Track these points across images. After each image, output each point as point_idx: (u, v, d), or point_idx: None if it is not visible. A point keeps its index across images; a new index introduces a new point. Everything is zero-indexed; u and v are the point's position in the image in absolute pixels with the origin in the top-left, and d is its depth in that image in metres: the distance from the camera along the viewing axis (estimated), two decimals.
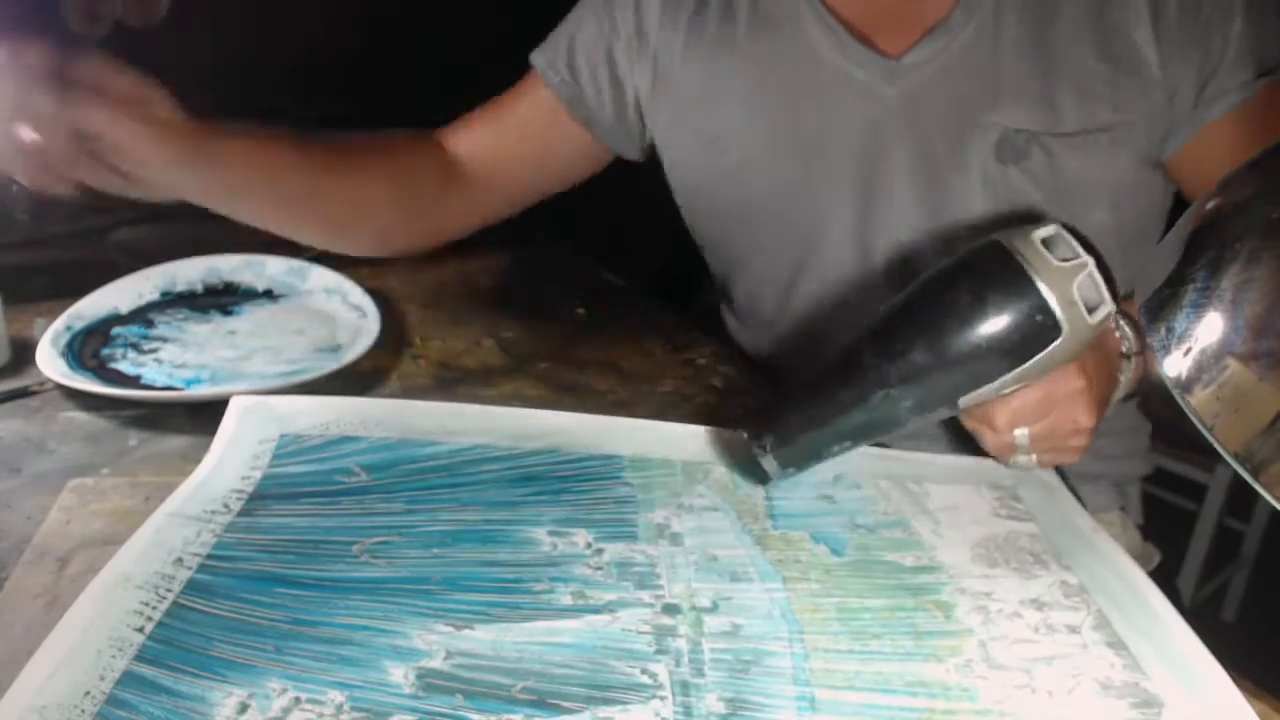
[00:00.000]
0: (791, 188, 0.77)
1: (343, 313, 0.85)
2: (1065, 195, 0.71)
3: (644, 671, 0.44)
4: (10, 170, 0.55)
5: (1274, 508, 0.32)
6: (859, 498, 0.60)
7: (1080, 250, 0.53)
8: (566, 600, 0.49)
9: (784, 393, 0.58)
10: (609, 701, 0.42)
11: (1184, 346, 0.36)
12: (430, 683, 0.43)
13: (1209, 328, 0.35)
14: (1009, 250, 0.54)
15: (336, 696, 0.41)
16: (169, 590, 0.47)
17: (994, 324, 0.53)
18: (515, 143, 0.84)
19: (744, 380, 0.80)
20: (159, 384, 0.72)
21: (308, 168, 0.72)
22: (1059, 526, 0.59)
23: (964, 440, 0.64)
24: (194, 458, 0.59)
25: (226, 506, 0.54)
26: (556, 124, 0.84)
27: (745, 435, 0.58)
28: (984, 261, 0.55)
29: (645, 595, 0.49)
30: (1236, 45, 0.67)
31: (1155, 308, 0.38)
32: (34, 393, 0.70)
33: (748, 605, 0.49)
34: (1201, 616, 0.54)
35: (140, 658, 0.42)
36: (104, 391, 0.67)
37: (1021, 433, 0.59)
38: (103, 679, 0.41)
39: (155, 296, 0.86)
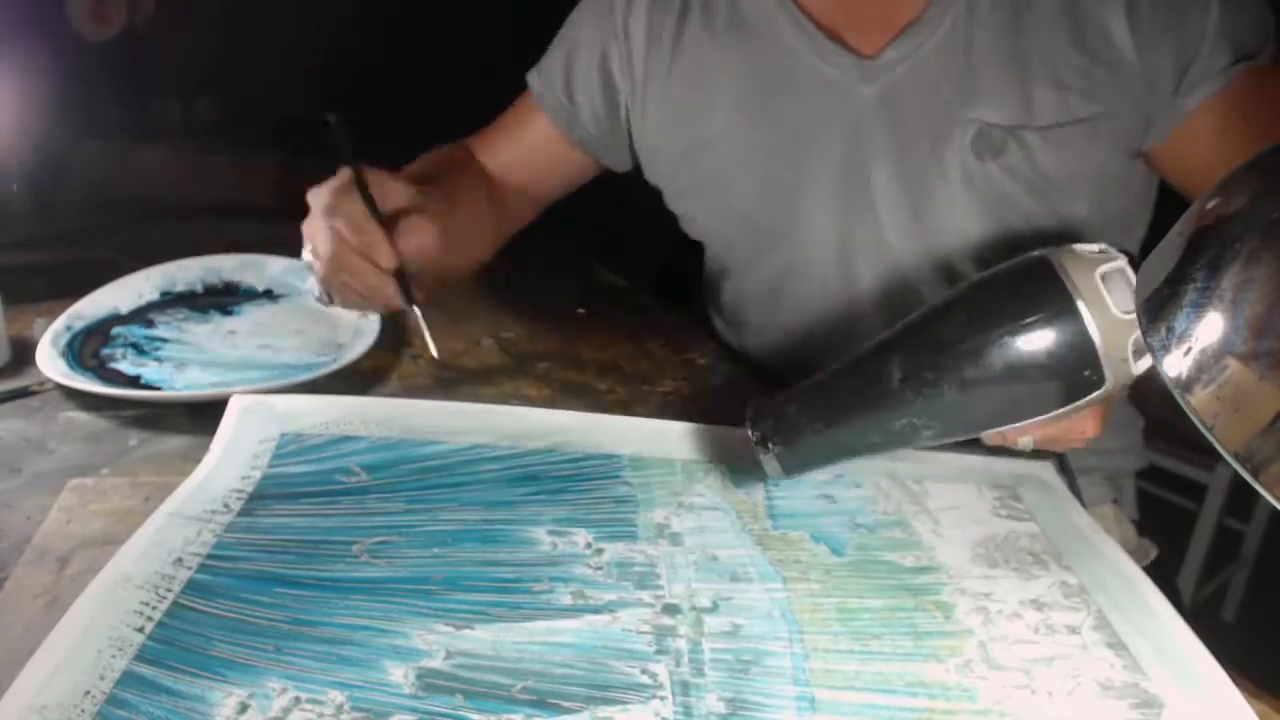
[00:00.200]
0: (773, 189, 0.77)
1: (342, 313, 0.85)
2: (1046, 189, 0.71)
3: (644, 671, 0.44)
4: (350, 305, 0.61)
5: (1274, 507, 0.32)
6: (859, 497, 0.60)
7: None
8: (566, 600, 0.49)
9: (792, 393, 0.55)
10: (609, 701, 0.42)
11: (1184, 346, 0.36)
12: (430, 683, 0.43)
13: (1209, 327, 0.35)
14: (1069, 293, 0.48)
15: (336, 696, 0.41)
16: (169, 590, 0.47)
17: (1036, 375, 0.49)
18: (525, 166, 0.88)
19: (744, 380, 0.80)
20: (159, 384, 0.72)
21: (466, 200, 0.78)
22: (1059, 527, 0.59)
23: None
24: (194, 458, 0.59)
25: (226, 506, 0.54)
26: (559, 150, 0.88)
27: (748, 431, 0.55)
28: (1035, 298, 0.49)
29: (645, 595, 0.49)
30: (1214, 31, 0.67)
31: (1155, 307, 0.38)
32: (34, 393, 0.70)
33: (748, 605, 0.49)
34: (1201, 616, 0.54)
35: (140, 657, 0.42)
36: (104, 391, 0.67)
37: (1026, 440, 0.58)
38: (103, 679, 0.41)
39: (155, 296, 0.85)
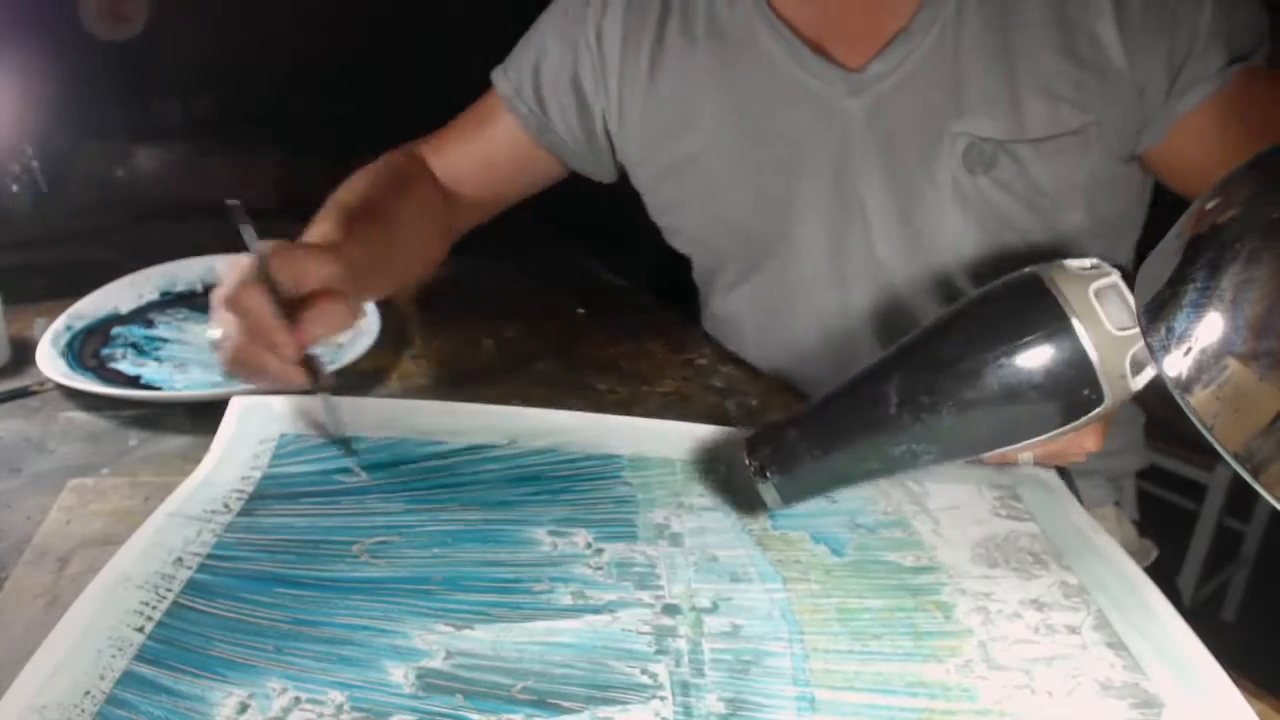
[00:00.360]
0: (765, 201, 0.76)
1: None
2: (1040, 201, 0.71)
3: (644, 672, 0.44)
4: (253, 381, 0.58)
5: (1274, 508, 0.32)
6: (859, 497, 0.60)
7: (1134, 310, 0.47)
8: (566, 600, 0.49)
9: (789, 420, 0.54)
10: (609, 701, 0.42)
11: (1184, 346, 0.36)
12: (430, 683, 0.43)
13: (1209, 328, 0.35)
14: (1064, 312, 0.47)
15: (336, 696, 0.41)
16: (169, 590, 0.47)
17: (1034, 395, 0.48)
18: (484, 167, 0.86)
19: (744, 380, 0.80)
20: (159, 384, 0.72)
21: (409, 221, 0.76)
22: (1059, 526, 0.59)
23: None
24: (194, 458, 0.59)
25: (226, 506, 0.54)
26: (526, 151, 0.85)
27: (745, 460, 0.54)
28: (1029, 317, 0.48)
29: (645, 595, 0.49)
30: (1206, 32, 0.66)
31: (1155, 308, 0.38)
32: (34, 393, 0.70)
33: (748, 606, 0.49)
34: (1201, 616, 0.54)
35: (140, 657, 0.42)
36: (104, 391, 0.67)
37: (1026, 457, 0.58)
38: (103, 679, 0.41)
39: (155, 296, 0.86)
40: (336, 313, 0.57)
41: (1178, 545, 1.80)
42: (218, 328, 0.56)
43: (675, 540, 0.54)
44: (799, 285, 0.79)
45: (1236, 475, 0.34)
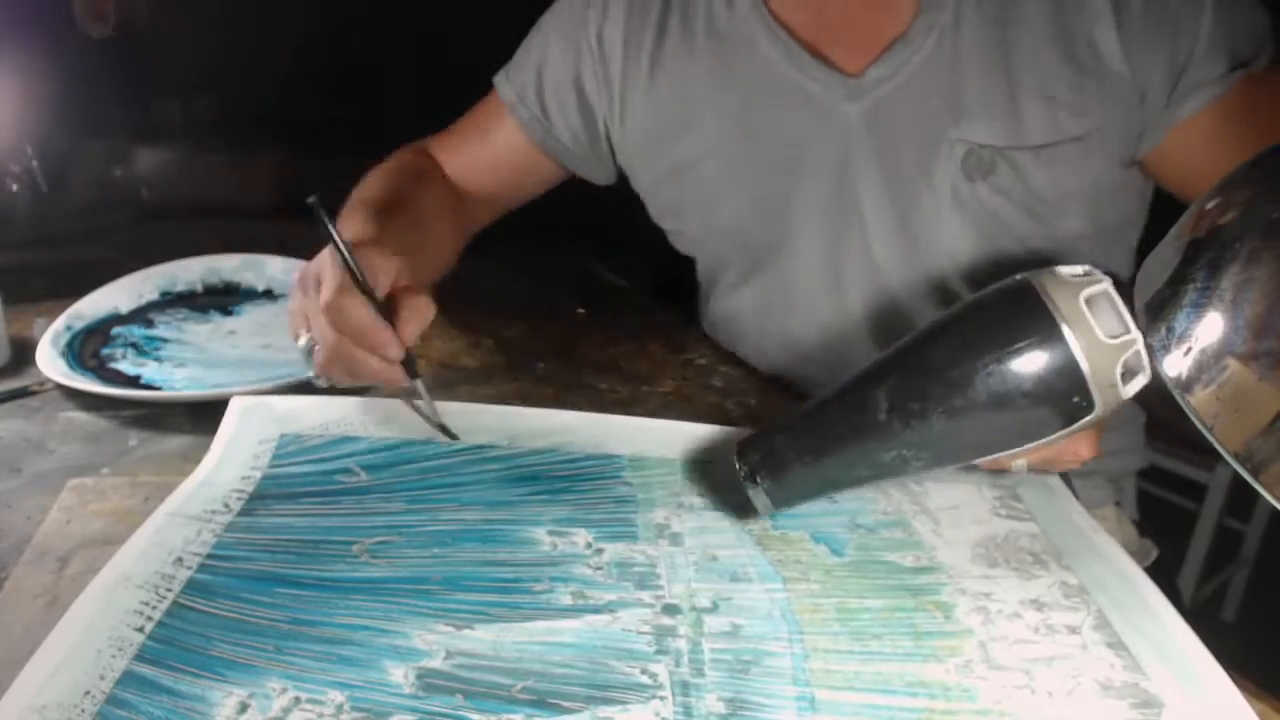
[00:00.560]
0: (764, 205, 0.76)
1: None
2: (1039, 207, 0.70)
3: (644, 671, 0.44)
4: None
5: (1274, 507, 0.32)
6: (859, 497, 0.60)
7: (1129, 320, 0.47)
8: (566, 600, 0.49)
9: (780, 425, 0.54)
10: (609, 701, 0.42)
11: (1184, 346, 0.36)
12: (430, 683, 0.43)
13: (1209, 327, 0.35)
14: (1054, 320, 0.47)
15: (336, 696, 0.41)
16: (169, 590, 0.47)
17: (1024, 402, 0.48)
18: (487, 170, 0.86)
19: (744, 380, 0.80)
20: (159, 384, 0.72)
21: (433, 214, 0.77)
22: (1059, 526, 0.59)
23: None
24: (194, 458, 0.59)
25: (226, 506, 0.54)
26: (527, 155, 0.86)
27: (735, 465, 0.54)
28: (1019, 324, 0.48)
29: (645, 595, 0.49)
30: (1207, 37, 0.65)
31: (1155, 307, 0.38)
32: (34, 392, 0.70)
33: (748, 606, 0.49)
34: (1201, 616, 0.53)
35: (140, 657, 0.42)
36: (104, 391, 0.67)
37: (1020, 464, 0.58)
38: (103, 679, 0.41)
39: (155, 296, 0.86)
40: (424, 306, 0.58)
41: (1178, 545, 1.80)
42: (305, 334, 0.57)
43: (675, 540, 0.54)
44: (797, 287, 0.79)
45: (1237, 475, 0.35)
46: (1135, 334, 0.47)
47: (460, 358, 0.81)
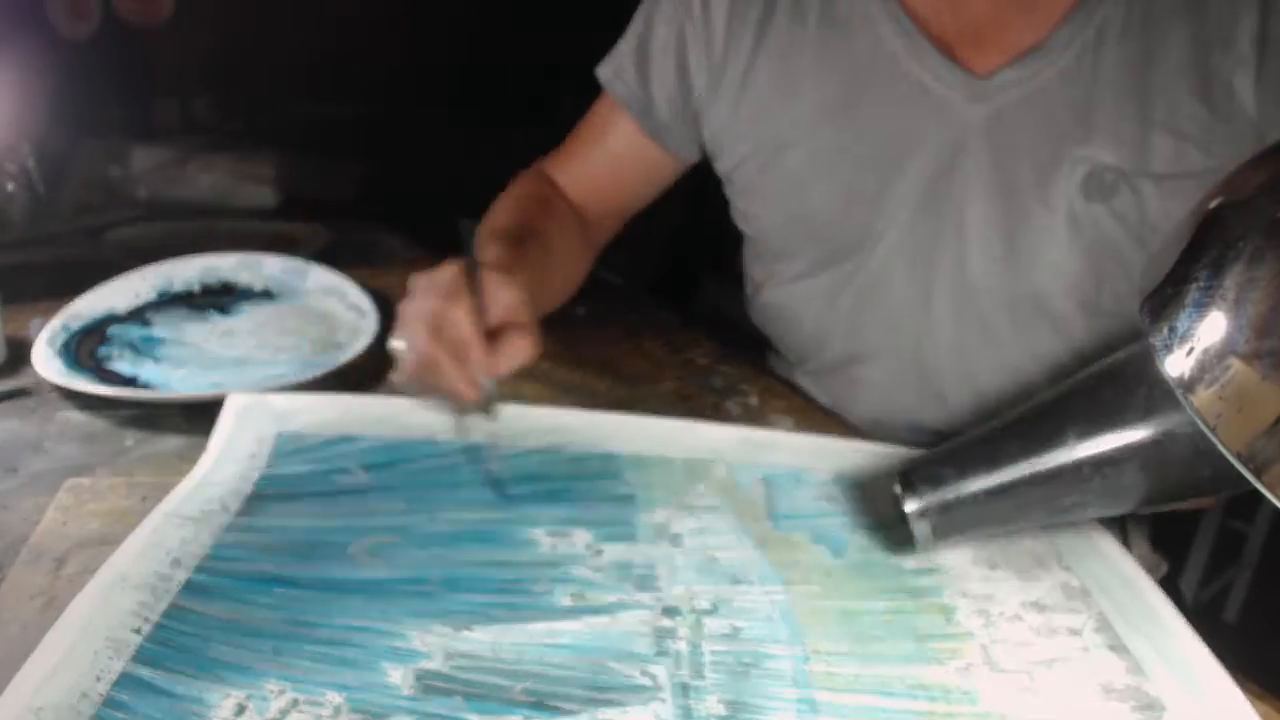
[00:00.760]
0: (852, 201, 0.74)
1: (341, 312, 0.85)
2: (1150, 237, 0.68)
3: (643, 673, 0.44)
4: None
5: (1277, 508, 0.32)
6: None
7: None
8: (566, 602, 0.49)
9: (949, 458, 0.52)
10: (608, 703, 0.42)
11: (1186, 346, 0.35)
12: (429, 684, 0.42)
13: (1212, 327, 0.35)
14: None
15: (335, 698, 0.41)
16: (166, 591, 0.46)
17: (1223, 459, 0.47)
18: (609, 174, 0.85)
19: (744, 379, 0.80)
20: (156, 384, 0.71)
21: (559, 242, 0.77)
22: (1059, 527, 0.58)
23: None
24: (191, 458, 0.58)
25: (224, 507, 0.54)
26: (641, 147, 0.84)
27: (896, 491, 0.52)
28: None
29: (645, 597, 0.49)
30: None
31: (1158, 307, 0.37)
32: (31, 393, 0.70)
33: (748, 608, 0.49)
34: (1204, 618, 0.53)
35: (137, 659, 0.42)
36: (101, 391, 0.67)
37: None
38: (100, 680, 0.41)
39: (152, 296, 0.85)
40: (526, 347, 0.58)
41: (1180, 547, 1.80)
42: (404, 339, 0.57)
43: (675, 541, 0.54)
44: (873, 287, 0.76)
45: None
46: None
47: None
